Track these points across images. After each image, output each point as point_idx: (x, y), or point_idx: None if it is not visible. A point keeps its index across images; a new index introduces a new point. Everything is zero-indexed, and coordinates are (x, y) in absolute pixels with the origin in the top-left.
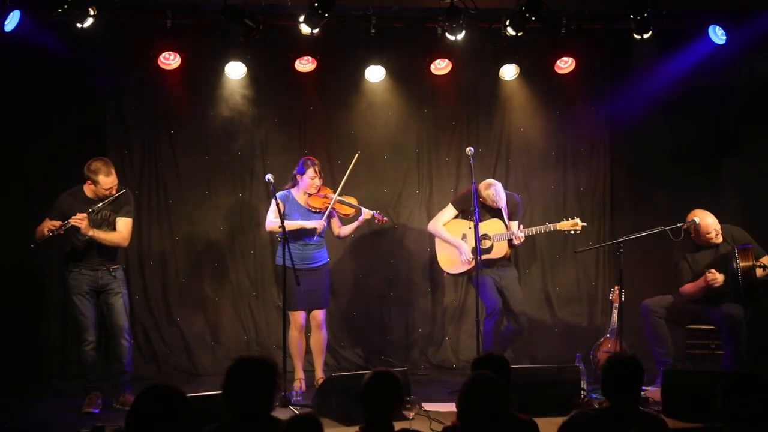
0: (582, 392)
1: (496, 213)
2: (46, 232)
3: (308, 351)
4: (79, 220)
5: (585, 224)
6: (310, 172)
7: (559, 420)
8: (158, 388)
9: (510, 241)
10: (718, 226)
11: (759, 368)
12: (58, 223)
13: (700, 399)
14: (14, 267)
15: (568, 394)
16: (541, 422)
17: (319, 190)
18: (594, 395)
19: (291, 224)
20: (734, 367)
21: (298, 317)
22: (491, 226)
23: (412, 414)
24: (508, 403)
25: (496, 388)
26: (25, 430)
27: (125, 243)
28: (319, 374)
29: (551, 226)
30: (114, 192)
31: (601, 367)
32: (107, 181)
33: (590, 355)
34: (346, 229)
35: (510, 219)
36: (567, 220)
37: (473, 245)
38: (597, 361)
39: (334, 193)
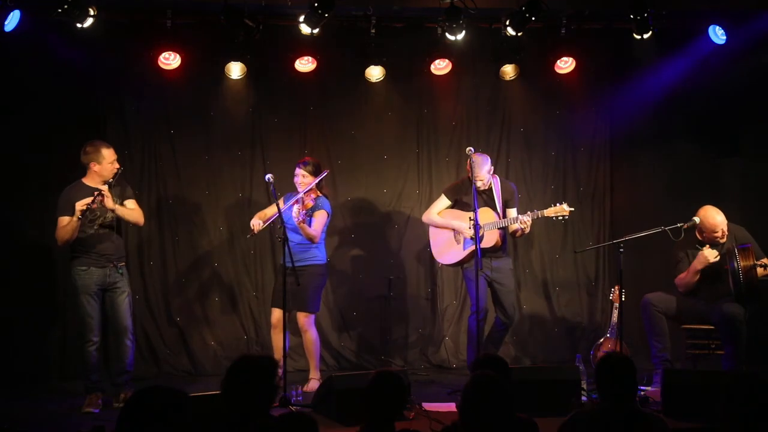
0: (582, 392)
1: (487, 201)
2: (83, 207)
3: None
4: (106, 190)
5: (572, 209)
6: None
7: (559, 420)
8: (148, 391)
9: (514, 233)
10: (725, 226)
11: (759, 368)
12: (89, 199)
13: (700, 399)
14: (14, 267)
15: (568, 394)
16: (541, 422)
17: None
18: (594, 395)
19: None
20: (734, 367)
21: (272, 313)
22: (482, 215)
23: (412, 414)
24: (512, 404)
25: (499, 389)
26: (25, 430)
27: (143, 219)
28: (311, 375)
29: (538, 213)
30: (118, 166)
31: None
32: (110, 153)
33: (590, 355)
34: (294, 210)
35: (507, 207)
36: (554, 206)
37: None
38: (597, 361)
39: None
